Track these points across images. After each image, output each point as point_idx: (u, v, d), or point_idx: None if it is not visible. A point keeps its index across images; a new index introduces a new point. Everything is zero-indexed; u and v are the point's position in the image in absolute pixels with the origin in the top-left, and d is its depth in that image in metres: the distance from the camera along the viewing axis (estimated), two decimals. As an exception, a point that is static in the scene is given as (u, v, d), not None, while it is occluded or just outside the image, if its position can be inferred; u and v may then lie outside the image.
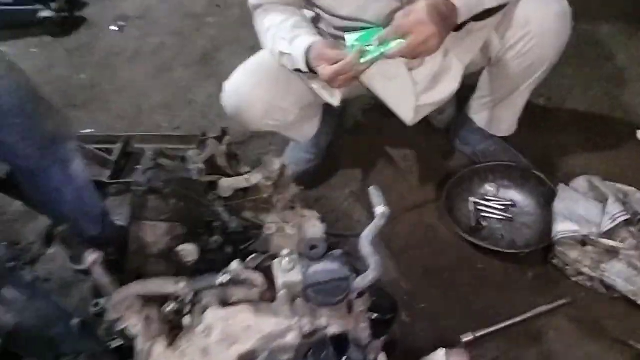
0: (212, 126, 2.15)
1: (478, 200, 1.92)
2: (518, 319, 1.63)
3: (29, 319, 1.40)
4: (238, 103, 1.61)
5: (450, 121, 2.11)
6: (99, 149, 2.28)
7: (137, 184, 1.43)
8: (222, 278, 0.91)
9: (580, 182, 1.75)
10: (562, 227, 1.63)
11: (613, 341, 1.56)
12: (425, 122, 2.13)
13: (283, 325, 0.92)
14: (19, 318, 1.37)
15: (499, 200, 1.91)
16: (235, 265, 1.04)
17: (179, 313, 0.95)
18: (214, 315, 0.89)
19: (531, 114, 2.01)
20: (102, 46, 2.87)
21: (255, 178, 1.59)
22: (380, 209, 1.17)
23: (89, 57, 2.81)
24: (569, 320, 1.63)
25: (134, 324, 0.95)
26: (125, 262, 1.40)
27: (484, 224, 1.88)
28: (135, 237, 1.40)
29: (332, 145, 2.15)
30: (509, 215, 1.88)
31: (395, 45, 1.35)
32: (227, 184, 1.58)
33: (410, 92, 1.70)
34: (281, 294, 0.97)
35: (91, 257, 1.02)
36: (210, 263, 1.47)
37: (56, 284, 1.87)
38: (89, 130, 2.40)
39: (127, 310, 0.94)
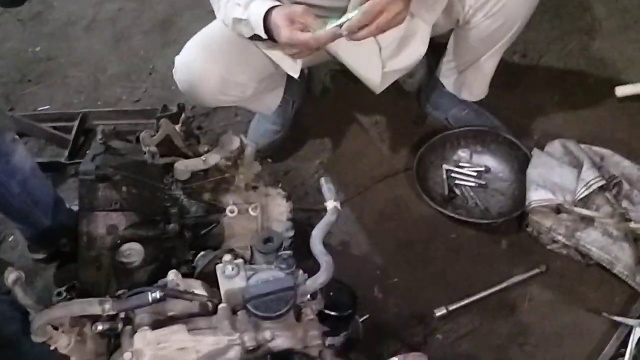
0: (175, 97, 2.05)
1: (451, 168, 1.85)
2: (492, 290, 1.60)
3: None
4: (190, 79, 1.51)
5: (421, 84, 2.02)
6: (56, 127, 2.17)
7: (84, 172, 1.35)
8: (155, 295, 0.84)
9: (556, 145, 1.69)
10: (536, 196, 1.57)
11: (587, 311, 1.53)
12: (396, 86, 2.04)
13: (223, 343, 0.85)
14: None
15: (472, 167, 1.85)
16: (172, 276, 0.96)
17: (113, 330, 0.88)
18: (142, 340, 0.82)
19: (505, 72, 1.92)
20: (57, 15, 2.71)
21: (213, 159, 1.50)
22: (331, 204, 1.09)
23: (43, 27, 2.66)
24: (543, 290, 1.60)
25: (64, 344, 0.88)
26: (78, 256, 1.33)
27: (457, 191, 1.82)
28: (85, 230, 1.32)
29: (299, 114, 2.06)
30: (482, 182, 1.82)
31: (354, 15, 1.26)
32: (183, 167, 1.49)
33: (376, 58, 1.60)
34: (221, 307, 0.90)
35: (11, 276, 0.94)
36: (169, 251, 1.41)
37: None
38: (44, 107, 2.29)
39: (55, 331, 0.87)
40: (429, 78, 1.97)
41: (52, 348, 0.89)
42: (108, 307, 0.81)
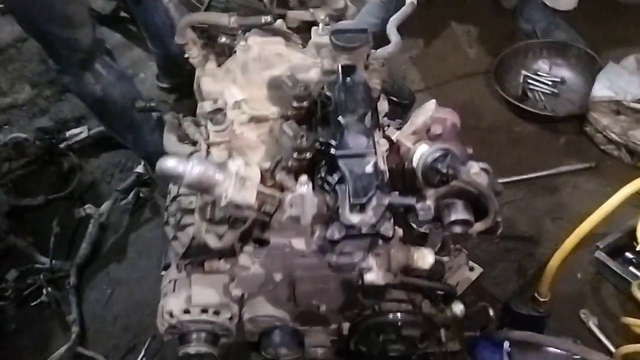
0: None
1: (529, 74, 2.00)
2: (541, 173, 1.76)
3: (115, 95, 1.68)
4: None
5: (517, 3, 2.17)
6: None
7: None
8: (265, 18, 1.10)
9: (630, 60, 1.80)
10: (599, 93, 1.70)
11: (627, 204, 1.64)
12: (496, 3, 2.22)
13: (308, 61, 1.10)
14: (107, 91, 1.66)
15: (549, 77, 1.99)
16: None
17: (230, 49, 1.14)
18: (253, 39, 1.09)
19: (600, 5, 2.04)
20: None
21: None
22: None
23: None
24: (588, 181, 1.73)
25: (194, 55, 1.16)
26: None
27: (530, 95, 1.97)
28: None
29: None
30: (556, 91, 1.96)
31: None
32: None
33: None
34: (310, 42, 1.17)
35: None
36: None
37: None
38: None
39: (190, 42, 1.14)
40: (525, -8, 2.12)
41: (185, 55, 1.16)
42: (233, 19, 1.07)
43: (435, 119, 1.04)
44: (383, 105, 1.08)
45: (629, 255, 1.48)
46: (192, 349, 1.07)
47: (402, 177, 0.99)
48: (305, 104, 0.97)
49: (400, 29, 2.28)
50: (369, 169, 0.86)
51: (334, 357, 1.25)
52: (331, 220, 0.86)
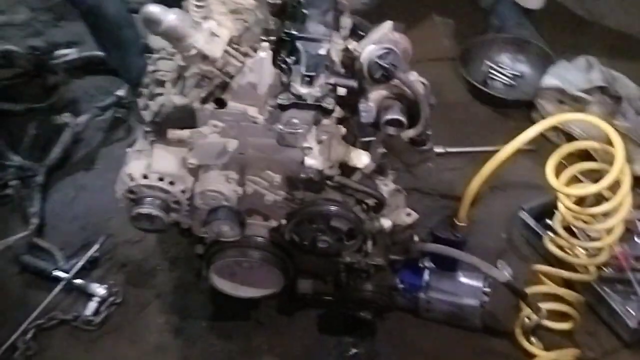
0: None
1: (492, 65, 2.19)
2: (485, 148, 1.92)
3: (109, 9, 1.80)
4: None
5: (492, 2, 2.37)
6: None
7: None
8: None
9: (580, 60, 1.98)
10: (547, 82, 1.89)
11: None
12: (474, 2, 2.42)
13: None
14: (103, 4, 1.78)
15: (509, 70, 2.17)
16: None
17: None
18: None
19: (569, 21, 2.26)
20: None
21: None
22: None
23: None
24: (527, 160, 1.90)
25: None
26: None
27: (489, 83, 2.15)
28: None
29: (386, 2, 2.44)
30: (514, 83, 2.15)
31: None
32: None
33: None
34: None
35: None
36: None
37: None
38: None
39: None
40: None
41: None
42: None
43: (389, 40, 1.19)
44: (347, 22, 1.22)
45: (549, 222, 1.64)
46: (144, 209, 1.19)
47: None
48: (278, 1, 1.11)
49: (387, 12, 2.47)
50: (322, 51, 1.00)
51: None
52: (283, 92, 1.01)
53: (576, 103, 1.85)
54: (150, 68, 1.20)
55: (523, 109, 2.05)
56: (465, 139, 1.98)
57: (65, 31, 2.40)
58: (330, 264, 1.40)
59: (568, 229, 1.53)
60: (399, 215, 1.63)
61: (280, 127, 1.03)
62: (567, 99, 1.87)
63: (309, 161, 1.11)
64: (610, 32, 2.36)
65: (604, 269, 1.56)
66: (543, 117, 1.93)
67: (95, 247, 1.71)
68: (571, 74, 1.91)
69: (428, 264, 1.48)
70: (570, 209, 1.35)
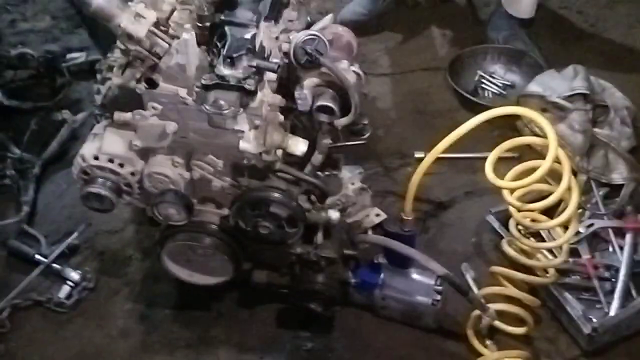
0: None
1: (484, 75, 2.18)
2: (466, 155, 1.91)
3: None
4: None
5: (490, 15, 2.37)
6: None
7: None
8: None
9: (569, 69, 1.95)
10: (530, 88, 1.87)
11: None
12: (473, 14, 2.44)
13: None
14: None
15: (501, 80, 2.16)
16: None
17: None
18: None
19: (570, 34, 2.26)
20: None
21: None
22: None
23: None
24: (508, 169, 1.87)
25: None
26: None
27: (480, 92, 2.15)
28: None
29: (386, 14, 2.47)
30: (505, 93, 2.14)
31: None
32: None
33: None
34: None
35: None
36: None
37: None
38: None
39: None
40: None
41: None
42: None
43: (334, 33, 1.23)
44: (291, 15, 1.27)
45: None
46: (94, 189, 1.25)
47: (288, 68, 1.17)
48: (220, -8, 1.16)
49: (386, 22, 2.50)
50: (247, 36, 1.05)
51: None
52: (209, 74, 1.05)
53: (558, 110, 1.82)
54: (108, 55, 1.27)
55: (509, 118, 2.02)
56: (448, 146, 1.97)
57: (80, 38, 2.54)
58: (281, 255, 1.42)
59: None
60: (366, 214, 1.65)
61: (207, 107, 1.07)
62: (549, 107, 1.84)
63: (243, 144, 1.15)
64: (610, 45, 2.31)
65: (570, 275, 1.53)
66: (526, 125, 1.91)
67: (75, 234, 1.79)
68: (555, 82, 1.88)
69: (382, 260, 1.48)
70: (513, 205, 1.33)
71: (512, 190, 1.38)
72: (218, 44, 1.07)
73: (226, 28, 1.05)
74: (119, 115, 1.20)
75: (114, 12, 1.02)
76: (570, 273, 1.53)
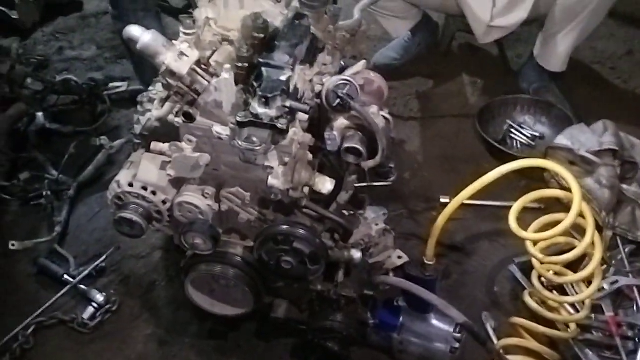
0: None
1: (514, 125, 2.20)
2: (494, 203, 1.92)
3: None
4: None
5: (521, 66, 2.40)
6: None
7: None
8: None
9: (599, 124, 1.96)
10: (559, 141, 1.88)
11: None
12: (505, 64, 2.47)
13: (277, 10, 1.30)
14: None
15: (531, 130, 2.18)
16: None
17: None
18: None
19: (601, 88, 2.28)
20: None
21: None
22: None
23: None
24: (533, 219, 1.87)
25: None
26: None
27: (509, 142, 2.16)
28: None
29: (418, 59, 2.53)
30: (533, 144, 2.15)
31: None
32: None
33: (487, 10, 2.06)
34: None
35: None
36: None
37: None
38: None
39: None
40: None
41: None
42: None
43: (365, 79, 1.27)
44: (326, 59, 1.32)
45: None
46: (126, 215, 1.30)
47: (319, 109, 1.22)
48: (261, 35, 1.21)
49: (418, 68, 2.54)
50: (282, 77, 1.09)
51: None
52: (245, 112, 1.10)
53: (586, 165, 1.82)
54: (150, 88, 1.34)
55: (537, 169, 2.03)
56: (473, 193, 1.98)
57: (123, 68, 2.65)
58: (301, 291, 1.44)
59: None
60: (389, 256, 1.66)
61: (240, 143, 1.11)
62: (577, 160, 1.85)
63: (271, 181, 1.18)
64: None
65: (592, 331, 1.51)
66: (553, 177, 1.91)
67: (103, 257, 1.84)
68: (585, 136, 1.89)
69: (402, 304, 1.48)
70: (535, 257, 1.33)
71: (535, 242, 1.38)
72: (255, 83, 1.12)
73: (263, 69, 1.10)
74: (155, 145, 1.25)
75: (159, 50, 1.08)
76: (592, 329, 1.50)
